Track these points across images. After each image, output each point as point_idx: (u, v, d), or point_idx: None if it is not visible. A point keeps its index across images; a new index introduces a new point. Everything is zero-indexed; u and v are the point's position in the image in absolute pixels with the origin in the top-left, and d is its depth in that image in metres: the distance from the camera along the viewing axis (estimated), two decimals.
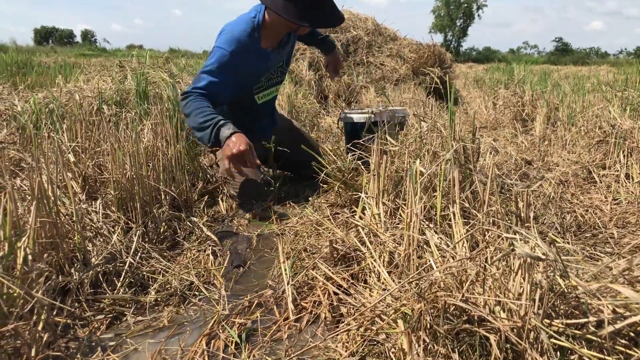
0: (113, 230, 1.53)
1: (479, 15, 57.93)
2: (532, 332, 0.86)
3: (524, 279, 0.91)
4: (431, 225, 1.32)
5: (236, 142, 1.84)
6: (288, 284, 1.33)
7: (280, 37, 2.23)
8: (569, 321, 0.89)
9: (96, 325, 1.22)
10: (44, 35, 65.34)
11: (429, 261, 1.16)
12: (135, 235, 1.54)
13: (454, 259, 1.13)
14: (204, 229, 1.79)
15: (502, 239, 1.09)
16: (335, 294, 1.29)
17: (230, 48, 2.05)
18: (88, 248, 1.40)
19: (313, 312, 1.26)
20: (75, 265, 1.33)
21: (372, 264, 1.32)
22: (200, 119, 1.92)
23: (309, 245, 1.62)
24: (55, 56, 12.79)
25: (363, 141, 1.96)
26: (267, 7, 2.09)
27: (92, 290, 1.31)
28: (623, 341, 0.87)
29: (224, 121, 1.92)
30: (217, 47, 2.09)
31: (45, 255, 1.27)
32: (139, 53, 4.13)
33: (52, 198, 1.33)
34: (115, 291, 1.34)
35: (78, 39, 67.56)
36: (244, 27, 2.11)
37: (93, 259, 1.37)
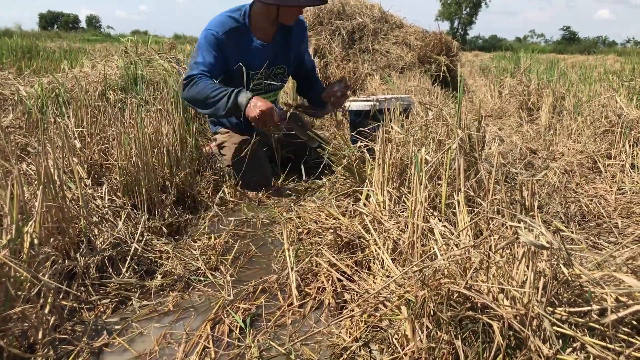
0: (119, 215, 1.54)
1: (486, 3, 57.38)
2: (535, 320, 0.87)
3: (527, 267, 0.91)
4: (436, 213, 1.32)
5: (256, 104, 1.89)
6: (292, 270, 1.34)
7: (271, 31, 2.24)
8: (572, 309, 0.90)
9: (102, 309, 1.23)
10: (50, 20, 65.05)
11: (433, 249, 1.17)
12: (141, 220, 1.55)
13: (458, 247, 1.13)
14: (215, 207, 1.80)
15: (507, 227, 1.09)
16: (339, 280, 1.30)
17: (216, 29, 2.08)
18: (94, 233, 1.41)
19: (317, 298, 1.27)
20: (81, 249, 1.34)
21: (376, 251, 1.32)
22: (211, 92, 1.95)
23: (314, 231, 1.62)
24: (60, 41, 12.73)
25: (368, 129, 1.95)
26: None
27: (98, 275, 1.32)
28: (626, 329, 0.87)
29: (238, 89, 1.95)
30: (204, 30, 2.12)
31: (51, 239, 1.28)
32: (143, 38, 4.10)
33: (58, 183, 1.33)
34: (121, 276, 1.35)
35: (83, 24, 67.40)
36: (228, 13, 2.16)
37: (99, 244, 1.38)
